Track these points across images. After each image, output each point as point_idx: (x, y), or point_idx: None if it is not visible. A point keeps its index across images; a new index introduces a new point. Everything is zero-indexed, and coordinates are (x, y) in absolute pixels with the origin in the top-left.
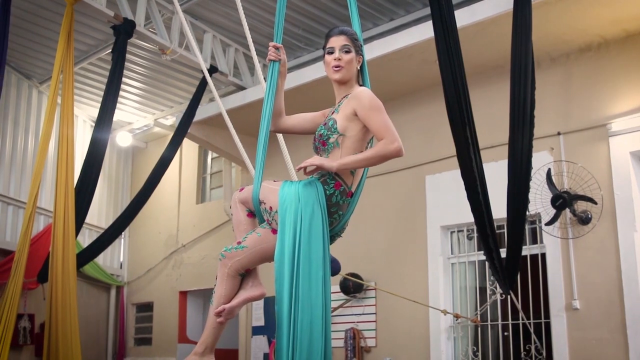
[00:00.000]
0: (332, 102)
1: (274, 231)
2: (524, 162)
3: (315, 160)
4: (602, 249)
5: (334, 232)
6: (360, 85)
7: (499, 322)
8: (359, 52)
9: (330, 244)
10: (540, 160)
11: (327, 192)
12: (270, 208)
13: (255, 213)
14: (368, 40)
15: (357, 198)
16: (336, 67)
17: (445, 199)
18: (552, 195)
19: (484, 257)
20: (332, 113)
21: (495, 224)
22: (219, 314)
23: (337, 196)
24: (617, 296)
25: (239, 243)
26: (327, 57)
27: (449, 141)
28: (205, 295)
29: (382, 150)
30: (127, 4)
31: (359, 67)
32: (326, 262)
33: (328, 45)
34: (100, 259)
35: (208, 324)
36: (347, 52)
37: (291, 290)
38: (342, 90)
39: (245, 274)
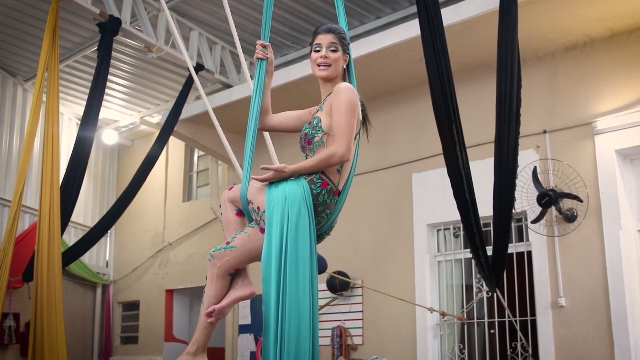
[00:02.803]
0: (319, 100)
1: (263, 231)
2: (510, 160)
3: (274, 167)
4: (588, 246)
5: (322, 231)
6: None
7: (486, 320)
8: (346, 51)
9: (319, 243)
10: (527, 159)
11: (314, 191)
12: (258, 208)
13: (244, 212)
14: (355, 38)
15: (345, 196)
16: (322, 65)
17: (432, 197)
18: (538, 194)
19: (470, 255)
20: (318, 111)
21: (481, 222)
22: (210, 315)
23: (325, 195)
24: (602, 294)
25: (228, 243)
26: (313, 54)
27: (435, 139)
28: (192, 294)
29: (327, 159)
30: (113, 1)
31: (345, 66)
32: (313, 262)
33: (315, 42)
34: (87, 258)
35: (200, 324)
36: (335, 51)
37: (279, 290)
38: (328, 88)
39: (236, 274)
